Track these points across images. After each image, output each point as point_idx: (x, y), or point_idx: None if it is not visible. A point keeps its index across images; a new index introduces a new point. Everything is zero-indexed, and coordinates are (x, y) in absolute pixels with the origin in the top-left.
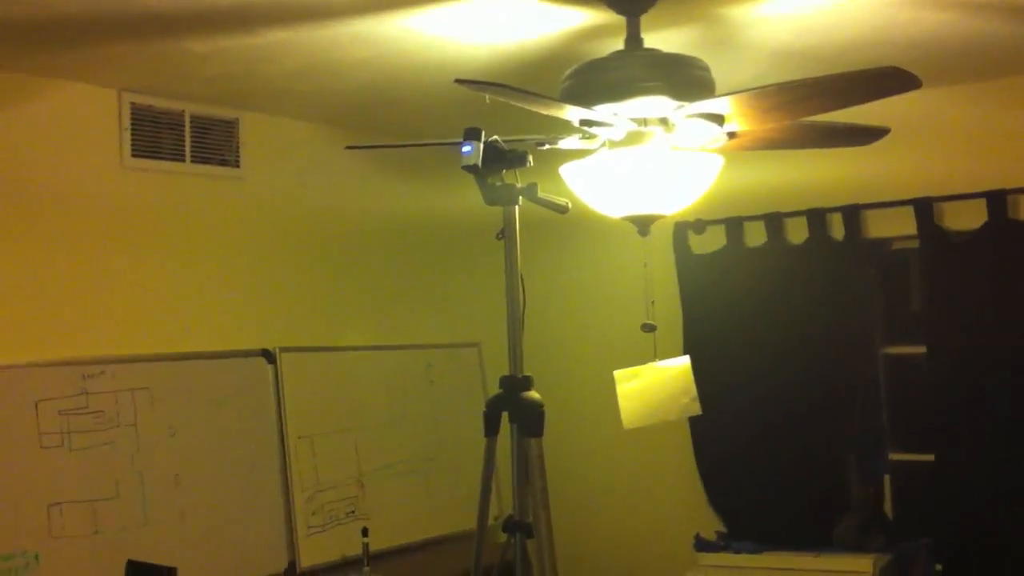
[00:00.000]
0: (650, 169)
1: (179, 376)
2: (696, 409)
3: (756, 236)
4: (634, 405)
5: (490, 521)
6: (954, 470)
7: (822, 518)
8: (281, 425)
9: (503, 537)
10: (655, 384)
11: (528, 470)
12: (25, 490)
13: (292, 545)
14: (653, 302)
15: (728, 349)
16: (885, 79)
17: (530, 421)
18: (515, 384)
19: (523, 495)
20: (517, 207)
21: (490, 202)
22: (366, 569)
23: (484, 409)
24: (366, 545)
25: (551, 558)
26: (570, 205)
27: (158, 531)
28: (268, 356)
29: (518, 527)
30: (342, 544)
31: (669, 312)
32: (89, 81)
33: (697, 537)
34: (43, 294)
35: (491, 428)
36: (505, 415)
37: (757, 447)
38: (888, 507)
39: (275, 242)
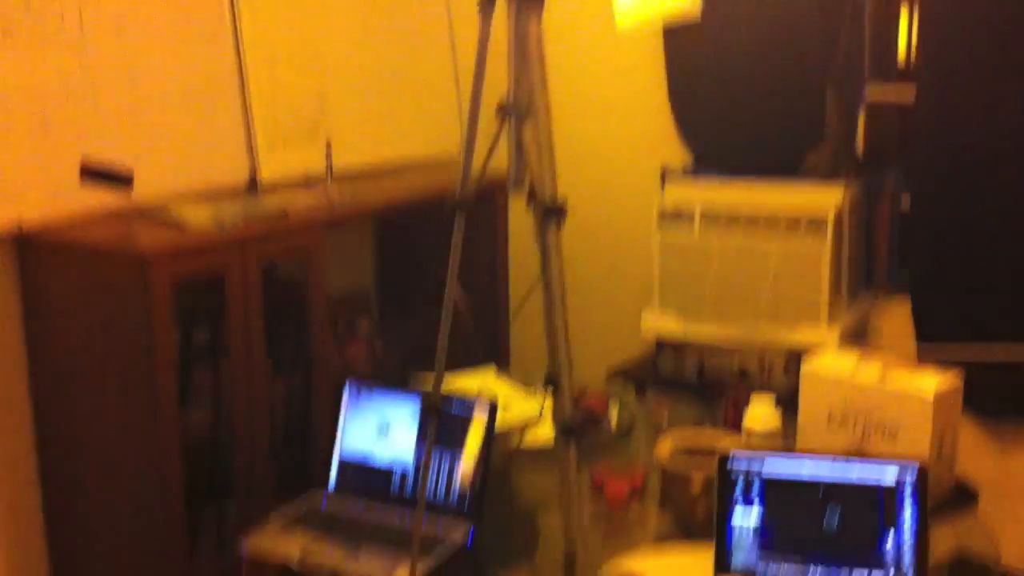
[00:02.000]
0: None
1: None
2: (696, 12)
3: None
4: (630, 2)
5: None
6: (932, 104)
7: (795, 149)
8: (236, 36)
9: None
10: None
11: (527, 52)
12: None
13: (253, 158)
14: None
15: None
16: None
17: None
18: None
19: (519, 81)
20: None
21: None
22: (329, 182)
23: None
24: (329, 159)
25: (548, 140)
26: None
27: (112, 134)
28: None
29: (512, 110)
30: (304, 161)
31: None
32: None
33: (663, 169)
34: None
35: None
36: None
37: (733, 72)
38: (860, 143)
39: None
